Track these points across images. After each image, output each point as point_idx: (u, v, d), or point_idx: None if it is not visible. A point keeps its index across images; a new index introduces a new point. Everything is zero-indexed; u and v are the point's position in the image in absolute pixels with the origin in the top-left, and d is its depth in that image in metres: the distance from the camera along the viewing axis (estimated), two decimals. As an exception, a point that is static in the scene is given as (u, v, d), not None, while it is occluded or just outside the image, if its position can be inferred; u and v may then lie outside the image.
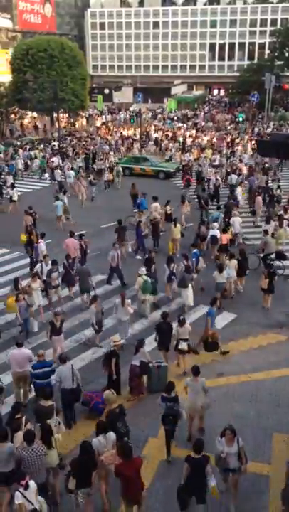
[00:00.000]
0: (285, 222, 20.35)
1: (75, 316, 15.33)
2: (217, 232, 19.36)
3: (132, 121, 58.63)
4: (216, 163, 33.32)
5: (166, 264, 16.18)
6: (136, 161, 34.55)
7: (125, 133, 49.00)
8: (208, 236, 19.51)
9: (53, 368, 10.85)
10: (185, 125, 54.79)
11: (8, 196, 26.63)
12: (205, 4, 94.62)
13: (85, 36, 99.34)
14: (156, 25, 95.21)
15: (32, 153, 37.28)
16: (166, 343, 12.47)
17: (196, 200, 25.90)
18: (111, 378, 11.34)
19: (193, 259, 16.50)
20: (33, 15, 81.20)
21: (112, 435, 8.41)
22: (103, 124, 57.10)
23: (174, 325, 12.60)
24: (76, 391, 10.57)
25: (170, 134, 46.43)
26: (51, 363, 11.13)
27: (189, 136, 46.32)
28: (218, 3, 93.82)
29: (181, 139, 43.48)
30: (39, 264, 16.33)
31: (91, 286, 15.93)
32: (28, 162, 35.38)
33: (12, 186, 27.57)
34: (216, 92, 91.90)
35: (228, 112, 67.80)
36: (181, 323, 12.37)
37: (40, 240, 18.48)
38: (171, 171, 32.76)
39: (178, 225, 20.04)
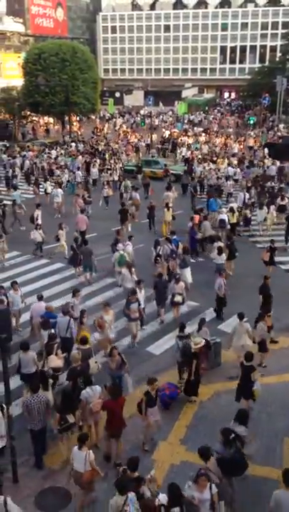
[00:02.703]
0: (272, 207, 22.97)
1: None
2: (225, 217, 21.29)
3: (142, 124, 58.76)
4: (237, 177, 30.56)
5: (153, 247, 17.77)
6: (147, 163, 34.82)
7: (135, 139, 47.42)
8: (217, 220, 21.47)
9: (56, 320, 12.52)
10: (196, 128, 54.58)
11: (43, 189, 28.30)
12: (216, 7, 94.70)
13: (97, 40, 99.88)
14: (167, 28, 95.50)
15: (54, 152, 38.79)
16: (162, 298, 14.79)
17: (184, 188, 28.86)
18: (189, 378, 11.38)
19: (174, 244, 18.10)
20: (45, 19, 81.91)
21: (97, 388, 9.79)
22: (120, 128, 56.87)
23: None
24: (70, 340, 12.20)
25: (190, 141, 44.53)
26: (56, 316, 12.68)
27: (205, 142, 43.65)
28: (230, 6, 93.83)
29: (197, 146, 41.42)
30: (136, 289, 14.35)
31: (93, 264, 17.74)
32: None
33: (45, 180, 30.04)
34: (226, 94, 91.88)
35: (239, 115, 67.62)
36: (177, 280, 14.79)
37: (127, 242, 17.94)
38: (181, 173, 32.80)
39: (170, 209, 22.41)
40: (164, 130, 53.15)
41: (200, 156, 36.33)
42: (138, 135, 49.86)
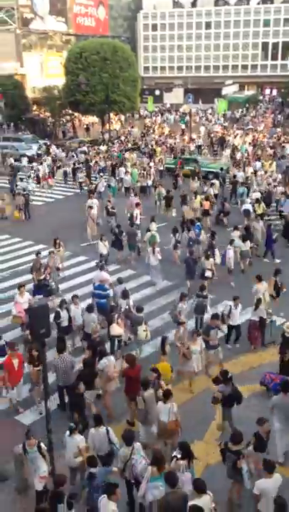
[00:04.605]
0: None
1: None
2: (250, 206, 21.96)
3: (181, 121, 58.43)
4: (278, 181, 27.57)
5: (171, 233, 18.71)
6: (186, 162, 34.52)
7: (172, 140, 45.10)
8: (242, 209, 22.31)
9: (107, 293, 14.06)
10: (235, 126, 53.61)
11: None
12: (258, 3, 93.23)
13: (137, 38, 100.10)
14: (208, 25, 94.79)
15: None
16: (192, 273, 16.59)
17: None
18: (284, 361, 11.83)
19: (197, 230, 19.13)
20: (86, 18, 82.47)
21: (112, 358, 11.12)
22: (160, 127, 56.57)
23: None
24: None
25: (236, 142, 41.35)
26: (107, 289, 14.20)
27: (250, 143, 40.25)
28: (272, 2, 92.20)
29: (245, 148, 37.74)
30: (228, 306, 13.29)
31: (137, 244, 19.20)
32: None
33: (102, 172, 31.71)
34: (267, 91, 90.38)
35: (279, 112, 66.33)
36: (207, 257, 16.51)
37: (229, 247, 17.09)
38: (220, 172, 32.44)
39: (198, 197, 23.52)
40: (203, 128, 52.62)
41: (244, 160, 34.38)
42: (177, 133, 49.47)
